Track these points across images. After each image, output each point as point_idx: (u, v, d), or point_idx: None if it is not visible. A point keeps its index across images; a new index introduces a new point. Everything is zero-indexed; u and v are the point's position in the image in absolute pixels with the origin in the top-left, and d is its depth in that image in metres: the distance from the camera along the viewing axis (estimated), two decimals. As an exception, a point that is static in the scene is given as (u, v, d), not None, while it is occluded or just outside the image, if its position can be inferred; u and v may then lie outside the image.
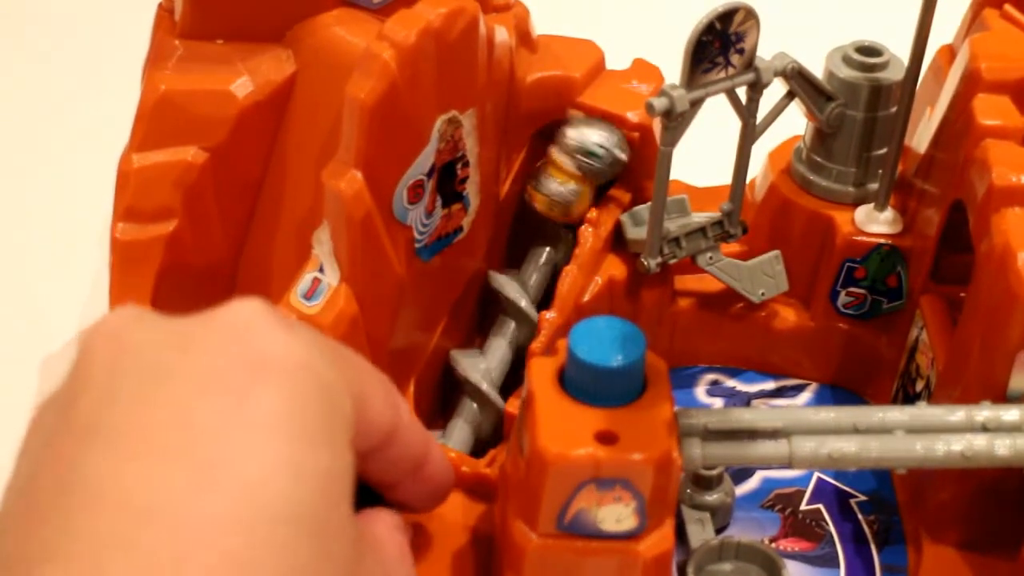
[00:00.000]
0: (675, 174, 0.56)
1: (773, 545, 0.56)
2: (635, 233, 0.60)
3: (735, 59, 0.54)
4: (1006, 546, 0.52)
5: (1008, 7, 0.61)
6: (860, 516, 0.58)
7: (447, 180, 0.57)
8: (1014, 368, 0.50)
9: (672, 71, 0.55)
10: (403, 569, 0.44)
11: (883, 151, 0.62)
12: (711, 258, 0.60)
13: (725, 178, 0.60)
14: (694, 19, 0.52)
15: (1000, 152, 0.53)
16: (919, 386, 0.58)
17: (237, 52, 0.57)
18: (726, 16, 0.53)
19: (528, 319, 0.60)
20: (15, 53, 0.92)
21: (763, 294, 0.62)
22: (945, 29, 0.62)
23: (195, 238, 0.58)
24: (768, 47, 0.56)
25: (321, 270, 0.53)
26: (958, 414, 0.48)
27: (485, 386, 0.58)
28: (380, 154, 0.52)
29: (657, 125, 0.58)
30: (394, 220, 0.54)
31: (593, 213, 0.60)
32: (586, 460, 0.44)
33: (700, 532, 0.55)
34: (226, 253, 0.59)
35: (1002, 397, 0.50)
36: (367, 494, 0.44)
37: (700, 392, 0.64)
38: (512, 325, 0.60)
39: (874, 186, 0.62)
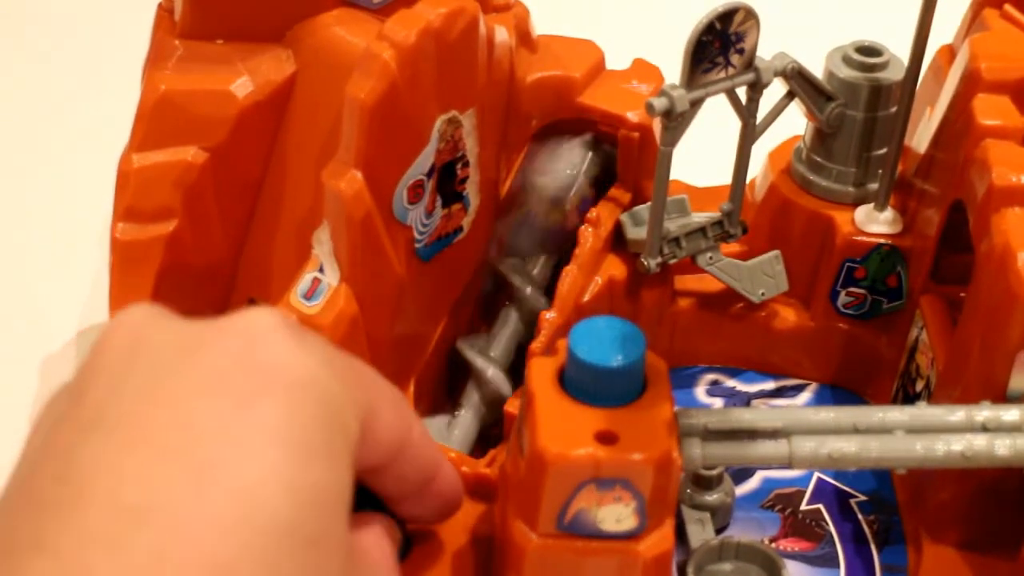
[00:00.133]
0: (675, 174, 0.56)
1: (773, 545, 0.56)
2: (635, 233, 0.60)
3: (735, 59, 0.54)
4: (1006, 546, 0.52)
5: (1008, 7, 0.61)
6: (860, 516, 0.58)
7: (447, 180, 0.57)
8: (1014, 368, 0.50)
9: (672, 71, 0.55)
10: None
11: (883, 151, 0.62)
12: (711, 258, 0.60)
13: (725, 178, 0.60)
14: (694, 19, 0.52)
15: (1000, 152, 0.53)
16: (919, 386, 0.58)
17: (237, 52, 0.58)
18: (726, 16, 0.53)
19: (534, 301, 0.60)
20: (15, 53, 0.92)
21: (763, 294, 0.62)
22: (945, 29, 0.62)
23: (195, 238, 0.58)
24: (768, 47, 0.56)
25: (321, 270, 0.53)
26: (958, 414, 0.48)
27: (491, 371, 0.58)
28: (380, 154, 0.52)
29: (657, 125, 0.58)
30: (394, 220, 0.54)
31: (593, 213, 0.60)
32: (586, 460, 0.44)
33: (700, 532, 0.55)
34: (226, 253, 0.59)
35: (1002, 397, 0.50)
36: (363, 496, 0.44)
37: (700, 392, 0.64)
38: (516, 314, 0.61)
39: (874, 186, 0.62)
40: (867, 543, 0.57)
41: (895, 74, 0.61)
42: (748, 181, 0.60)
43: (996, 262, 0.51)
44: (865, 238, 0.61)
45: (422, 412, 0.58)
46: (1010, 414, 0.47)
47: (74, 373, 0.39)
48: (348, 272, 0.53)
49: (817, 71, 0.60)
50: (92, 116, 0.84)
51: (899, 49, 0.61)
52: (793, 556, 0.56)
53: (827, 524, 0.57)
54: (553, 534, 0.46)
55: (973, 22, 0.62)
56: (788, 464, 0.47)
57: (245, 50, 0.57)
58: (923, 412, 0.48)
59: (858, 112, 0.61)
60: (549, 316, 0.57)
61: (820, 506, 0.58)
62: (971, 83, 0.57)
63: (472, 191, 0.58)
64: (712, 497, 0.56)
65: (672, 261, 0.60)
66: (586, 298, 0.59)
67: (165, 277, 0.57)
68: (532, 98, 0.61)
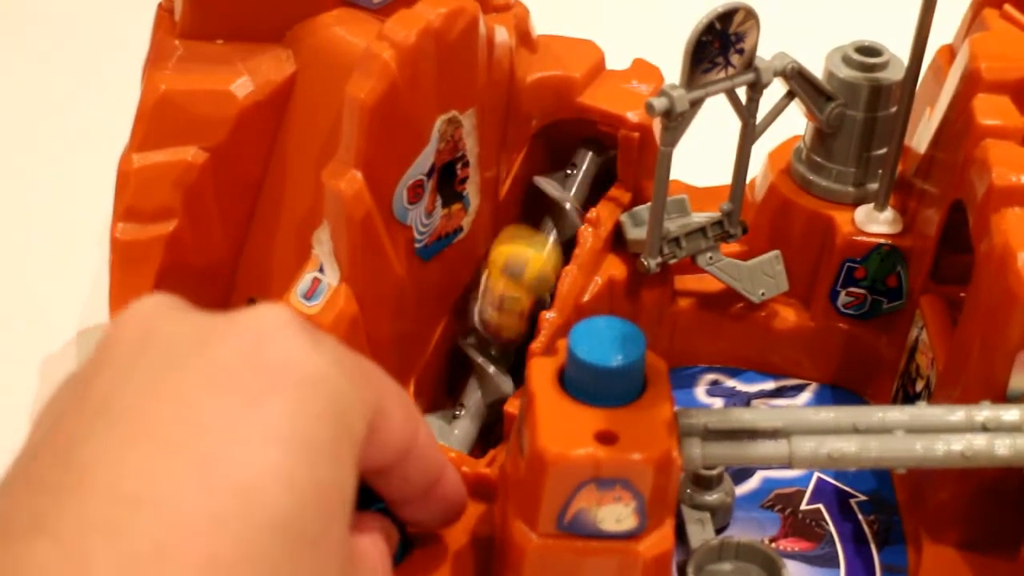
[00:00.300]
0: (675, 174, 0.56)
1: (773, 545, 0.56)
2: (635, 233, 0.60)
3: (735, 59, 0.54)
4: (1006, 546, 0.52)
5: (1008, 7, 0.61)
6: (860, 516, 0.58)
7: (447, 180, 0.57)
8: (1014, 368, 0.50)
9: (672, 71, 0.55)
10: None
11: (883, 151, 0.62)
12: (711, 258, 0.60)
13: (725, 178, 0.60)
14: (694, 19, 0.52)
15: (1000, 152, 0.53)
16: (919, 386, 0.58)
17: (237, 52, 0.58)
18: (726, 16, 0.53)
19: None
20: (15, 53, 0.92)
21: (763, 294, 0.62)
22: (945, 29, 0.62)
23: (195, 238, 0.58)
24: (768, 47, 0.56)
25: (321, 270, 0.53)
26: (958, 414, 0.48)
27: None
28: (380, 154, 0.52)
29: (657, 125, 0.58)
30: (394, 220, 0.54)
31: (593, 213, 0.60)
32: (586, 460, 0.44)
33: (700, 532, 0.55)
34: (226, 253, 0.59)
35: (1002, 397, 0.50)
36: (365, 497, 0.44)
37: (700, 392, 0.64)
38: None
39: (874, 186, 0.62)
40: (867, 543, 0.57)
41: (895, 74, 0.61)
42: (748, 181, 0.60)
43: (996, 262, 0.51)
44: (865, 238, 0.61)
45: (422, 411, 0.58)
46: (1010, 414, 0.47)
47: (83, 362, 0.39)
48: (348, 272, 0.53)
49: (817, 71, 0.60)
50: (92, 116, 0.84)
51: (899, 49, 0.61)
52: (793, 556, 0.56)
53: (827, 524, 0.57)
54: (553, 534, 0.46)
55: (973, 22, 0.62)
56: (788, 464, 0.47)
57: (245, 50, 0.57)
58: (923, 412, 0.48)
59: (858, 112, 0.61)
60: (549, 316, 0.57)
61: (820, 506, 0.58)
62: (971, 83, 0.57)
63: (472, 191, 0.58)
64: (712, 497, 0.56)
65: (672, 261, 0.60)
66: (586, 298, 0.59)
67: (165, 277, 0.57)
68: (532, 98, 0.61)
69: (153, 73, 0.57)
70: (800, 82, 0.59)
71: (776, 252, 0.62)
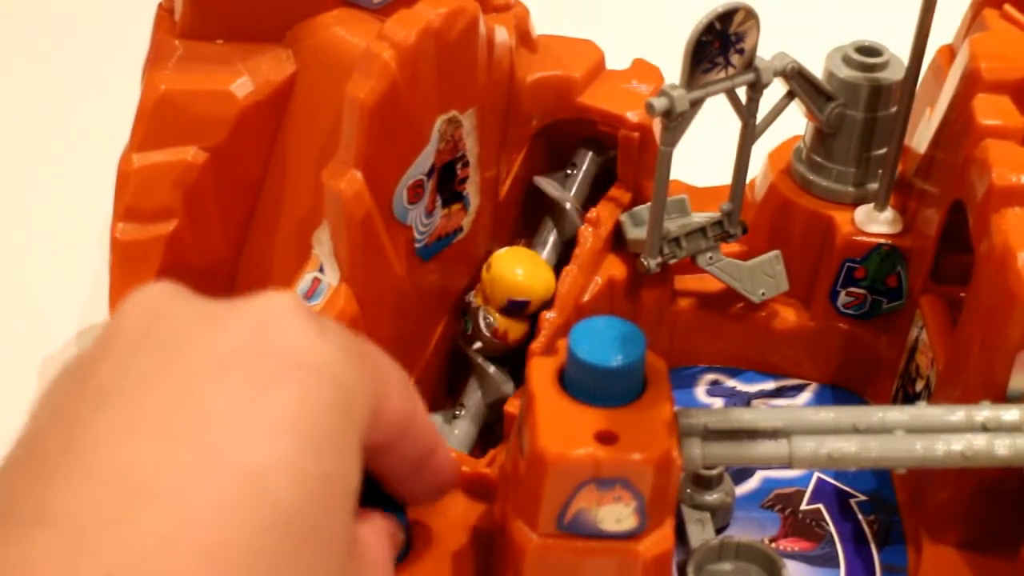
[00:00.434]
0: (675, 174, 0.56)
1: (773, 545, 0.56)
2: (635, 233, 0.60)
3: (735, 59, 0.54)
4: (1006, 546, 0.52)
5: (1008, 7, 0.61)
6: (860, 516, 0.58)
7: (447, 180, 0.57)
8: (1014, 368, 0.50)
9: (672, 71, 0.55)
10: None
11: (883, 151, 0.62)
12: (711, 258, 0.60)
13: (725, 178, 0.60)
14: (694, 19, 0.52)
15: (1000, 152, 0.53)
16: (919, 386, 0.58)
17: (237, 52, 0.58)
18: (726, 16, 0.53)
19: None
20: (15, 53, 0.92)
21: (763, 294, 0.62)
22: (945, 29, 0.62)
23: (195, 238, 0.58)
24: (768, 47, 0.56)
25: (321, 270, 0.53)
26: (958, 414, 0.48)
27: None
28: (380, 154, 0.52)
29: (657, 125, 0.58)
30: (394, 220, 0.54)
31: (593, 213, 0.60)
32: (586, 460, 0.44)
33: (700, 532, 0.55)
34: (226, 253, 0.59)
35: (1002, 397, 0.50)
36: (367, 489, 0.44)
37: (700, 392, 0.64)
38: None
39: (874, 186, 0.62)
40: (867, 543, 0.57)
41: (895, 74, 0.61)
42: (748, 181, 0.60)
43: (996, 262, 0.51)
44: (865, 238, 0.61)
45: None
46: (1010, 414, 0.47)
47: (89, 346, 0.38)
48: (348, 272, 0.53)
49: (817, 71, 0.60)
50: (92, 116, 0.84)
51: (899, 49, 0.61)
52: (793, 556, 0.56)
53: (827, 524, 0.57)
54: (553, 534, 0.46)
55: (973, 22, 0.62)
56: (788, 464, 0.47)
57: (245, 50, 0.57)
58: (923, 412, 0.48)
59: (858, 112, 0.61)
60: (549, 316, 0.57)
61: (820, 506, 0.58)
62: (971, 83, 0.57)
63: (472, 191, 0.58)
64: (712, 497, 0.56)
65: (672, 261, 0.60)
66: (586, 298, 0.59)
67: (165, 277, 0.56)
68: (532, 98, 0.61)
69: (153, 73, 0.57)
70: (800, 82, 0.59)
71: (776, 252, 0.62)
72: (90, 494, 0.33)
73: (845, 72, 0.61)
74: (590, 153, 0.63)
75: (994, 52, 0.57)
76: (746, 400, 0.64)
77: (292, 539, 0.35)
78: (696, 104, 0.54)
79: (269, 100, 0.57)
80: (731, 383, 0.65)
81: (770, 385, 0.65)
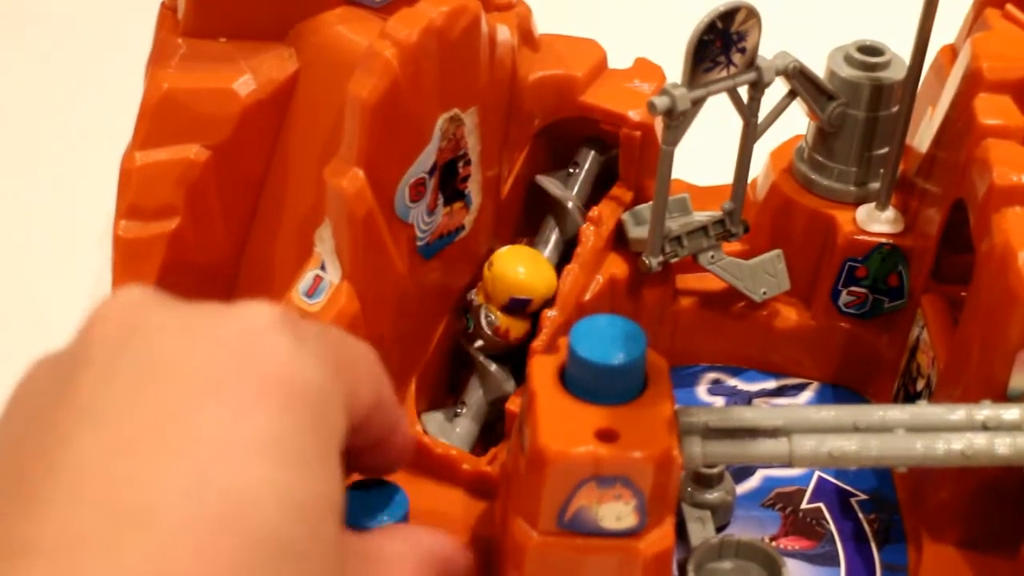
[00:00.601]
0: (676, 173, 0.56)
1: (773, 544, 0.56)
2: (637, 232, 0.60)
3: (737, 58, 0.54)
4: (1006, 545, 0.52)
5: (1010, 7, 0.61)
6: (861, 515, 0.58)
7: (449, 178, 0.57)
8: (1014, 367, 0.50)
9: (674, 70, 0.55)
10: None
11: (884, 150, 0.62)
12: (713, 257, 0.60)
13: (727, 177, 0.60)
14: (696, 18, 0.52)
15: (1001, 152, 0.53)
16: (920, 385, 0.58)
17: (240, 50, 0.58)
18: (727, 15, 0.53)
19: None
20: (15, 53, 0.92)
21: (765, 293, 0.62)
22: (947, 29, 0.62)
23: (197, 236, 0.58)
24: (770, 46, 0.56)
25: (323, 268, 0.53)
26: (958, 413, 0.48)
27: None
28: (382, 152, 0.52)
29: (659, 124, 0.58)
30: (396, 218, 0.54)
31: (595, 212, 0.60)
32: (586, 458, 0.44)
33: (700, 530, 0.55)
34: (228, 251, 0.59)
35: (1002, 396, 0.50)
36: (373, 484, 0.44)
37: (701, 391, 0.64)
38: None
39: (875, 185, 0.62)
40: (867, 542, 0.57)
41: (897, 73, 0.61)
42: (750, 180, 0.60)
43: (997, 261, 0.51)
44: (866, 237, 0.61)
45: (423, 409, 0.58)
46: (1010, 413, 0.47)
47: (62, 352, 0.38)
48: (350, 270, 0.53)
49: (819, 70, 0.60)
50: (93, 115, 0.84)
51: (901, 48, 0.61)
52: (793, 555, 0.56)
53: (828, 523, 0.57)
54: (553, 532, 0.46)
55: (975, 22, 0.62)
56: (788, 463, 0.47)
57: (248, 48, 0.57)
58: (923, 411, 0.48)
59: (860, 111, 0.61)
60: (550, 314, 0.57)
61: (821, 505, 0.58)
62: (973, 83, 0.57)
63: (474, 189, 0.58)
64: (713, 495, 0.56)
65: (674, 260, 0.60)
66: (587, 297, 0.59)
67: (167, 275, 0.57)
68: (534, 97, 0.61)
69: (156, 71, 0.57)
70: (802, 81, 0.59)
71: (778, 251, 0.62)
72: (79, 520, 0.33)
73: (847, 71, 0.61)
74: (592, 152, 0.63)
75: (996, 52, 0.57)
76: (747, 399, 0.64)
77: (279, 559, 0.34)
78: (698, 103, 0.54)
79: (271, 98, 0.57)
80: (732, 382, 0.65)
81: (771, 384, 0.65)
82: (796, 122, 0.62)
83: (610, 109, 0.61)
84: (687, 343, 0.64)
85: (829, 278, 0.62)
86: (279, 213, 0.59)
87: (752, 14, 0.53)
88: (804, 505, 0.58)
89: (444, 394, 0.61)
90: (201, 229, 0.58)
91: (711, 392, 0.64)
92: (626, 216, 0.61)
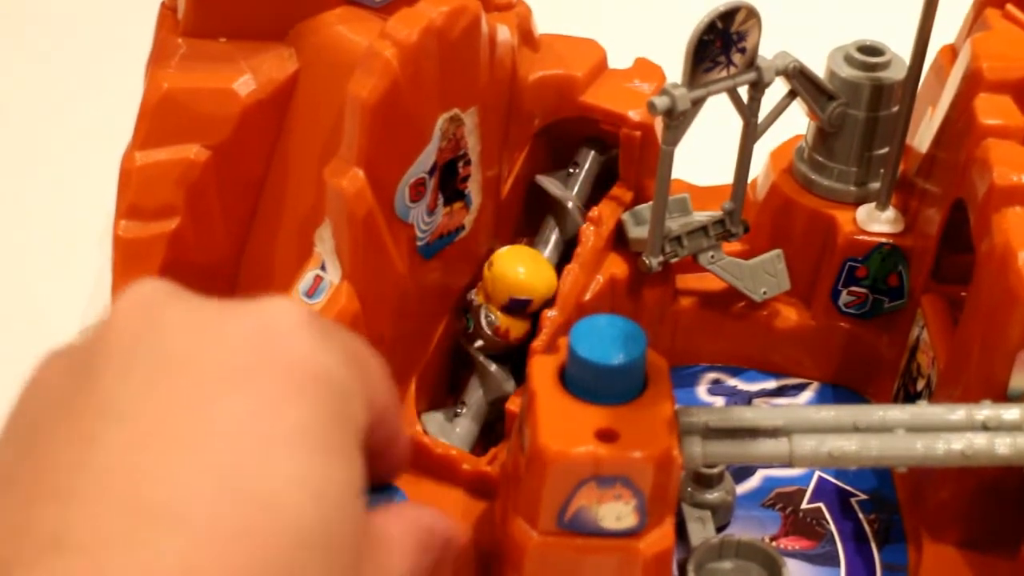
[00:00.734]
0: (677, 173, 0.56)
1: (774, 544, 0.56)
2: (637, 232, 0.60)
3: (737, 58, 0.54)
4: (1006, 545, 0.52)
5: (1010, 7, 0.61)
6: (861, 515, 0.58)
7: (449, 178, 0.57)
8: (1014, 367, 0.50)
9: (674, 70, 0.55)
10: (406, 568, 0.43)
11: (885, 150, 0.62)
12: (713, 257, 0.60)
13: (727, 177, 0.60)
14: (696, 18, 0.52)
15: (1001, 152, 0.53)
16: (920, 385, 0.58)
17: (240, 50, 0.58)
18: (728, 15, 0.53)
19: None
20: (15, 53, 0.92)
21: (765, 293, 0.62)
22: (947, 29, 0.62)
23: (197, 236, 0.58)
24: (770, 46, 0.56)
25: (323, 268, 0.53)
26: (958, 413, 0.48)
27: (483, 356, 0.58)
28: (382, 152, 0.52)
29: (659, 124, 0.58)
30: (396, 218, 0.54)
31: (595, 212, 0.60)
32: (586, 458, 0.44)
33: (701, 530, 0.55)
34: (228, 251, 0.59)
35: (1002, 396, 0.50)
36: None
37: (701, 391, 0.64)
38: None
39: (876, 185, 0.62)
40: (867, 542, 0.57)
41: (897, 73, 0.61)
42: (750, 180, 0.60)
43: (997, 261, 0.51)
44: (866, 237, 0.61)
45: (423, 409, 0.58)
46: (1010, 413, 0.47)
47: (77, 345, 0.37)
48: (350, 270, 0.53)
49: (819, 70, 0.60)
50: (93, 115, 0.84)
51: (901, 49, 0.61)
52: (794, 555, 0.56)
53: (828, 523, 0.57)
54: (554, 532, 0.46)
55: (975, 22, 0.62)
56: (789, 462, 0.47)
57: (248, 48, 0.57)
58: (923, 411, 0.48)
59: (860, 111, 0.61)
60: (550, 314, 0.57)
61: (821, 505, 0.58)
62: (973, 83, 0.57)
63: (474, 189, 0.58)
64: (713, 495, 0.56)
65: (674, 260, 0.60)
66: (587, 297, 0.59)
67: (167, 275, 0.56)
68: (534, 97, 0.61)
69: (156, 71, 0.57)
70: (802, 81, 0.59)
71: (778, 251, 0.62)
72: (107, 516, 0.32)
73: (847, 71, 0.61)
74: (592, 152, 0.63)
75: (996, 52, 0.57)
76: (747, 399, 0.64)
77: (310, 555, 0.34)
78: (698, 103, 0.54)
79: (271, 98, 0.57)
80: (732, 382, 0.65)
81: (771, 384, 0.65)
82: (796, 122, 0.62)
83: (610, 109, 0.61)
84: (687, 343, 0.64)
85: (829, 278, 0.62)
86: (279, 213, 0.59)
87: (752, 14, 0.53)
88: (804, 505, 0.58)
89: (444, 394, 0.61)
90: (201, 229, 0.58)
91: (711, 392, 0.64)
92: (626, 216, 0.61)
